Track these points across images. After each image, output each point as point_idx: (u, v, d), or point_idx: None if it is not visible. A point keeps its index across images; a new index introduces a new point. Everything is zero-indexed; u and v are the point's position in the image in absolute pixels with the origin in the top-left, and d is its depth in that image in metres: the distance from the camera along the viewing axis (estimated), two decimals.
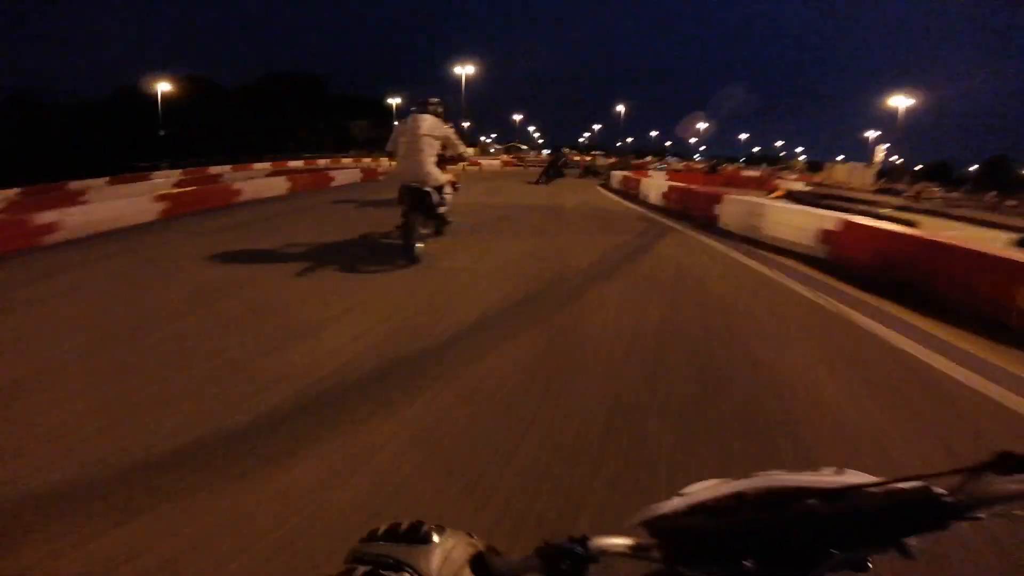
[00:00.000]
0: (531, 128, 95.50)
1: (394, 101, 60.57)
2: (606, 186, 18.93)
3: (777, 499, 0.44)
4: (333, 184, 18.30)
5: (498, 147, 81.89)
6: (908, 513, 0.41)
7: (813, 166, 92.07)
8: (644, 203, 13.03)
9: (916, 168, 78.91)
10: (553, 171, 20.55)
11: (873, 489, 0.42)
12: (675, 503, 0.47)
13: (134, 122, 51.09)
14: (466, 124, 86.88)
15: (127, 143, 47.66)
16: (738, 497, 0.46)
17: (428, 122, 6.05)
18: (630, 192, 15.14)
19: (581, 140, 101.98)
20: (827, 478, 0.45)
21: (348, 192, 15.54)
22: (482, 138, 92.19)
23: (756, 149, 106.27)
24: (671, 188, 12.11)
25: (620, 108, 68.95)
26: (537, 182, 18.86)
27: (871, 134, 72.72)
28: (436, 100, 6.44)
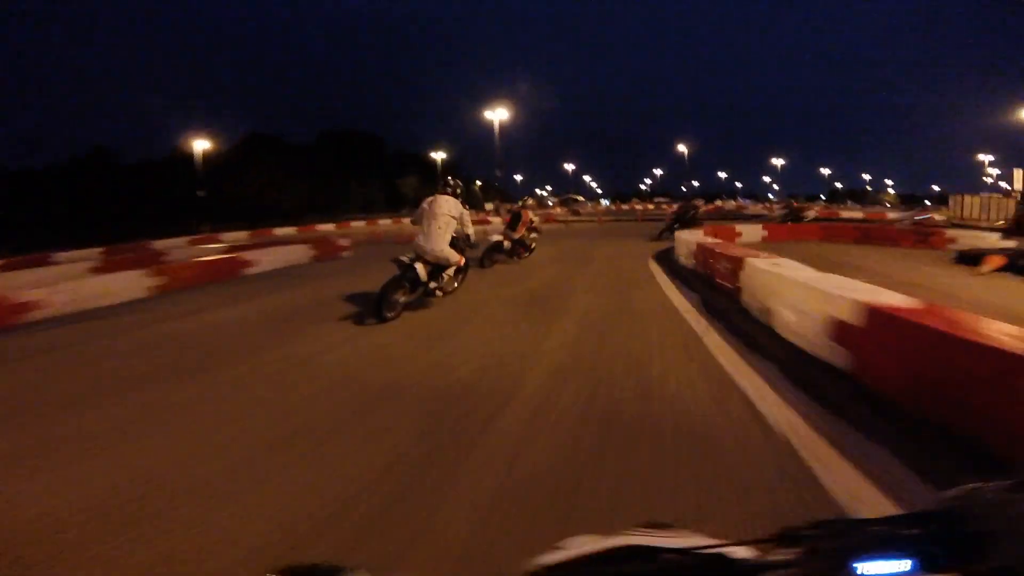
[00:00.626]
0: (586, 177, 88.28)
1: (439, 155, 55.99)
2: (668, 260, 10.99)
3: (637, 555, 0.51)
4: (249, 271, 11.72)
5: (553, 199, 75.79)
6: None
7: (906, 199, 78.25)
8: (764, 332, 4.93)
9: None
10: (680, 224, 15.72)
11: (701, 552, 0.49)
12: (556, 556, 0.54)
13: (188, 183, 49.61)
14: (518, 177, 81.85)
15: (172, 204, 46.03)
16: (607, 553, 0.52)
17: (448, 204, 6.38)
18: (715, 282, 7.24)
19: (642, 187, 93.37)
20: (676, 539, 0.54)
21: (242, 301, 8.54)
22: (536, 190, 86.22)
23: (839, 184, 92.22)
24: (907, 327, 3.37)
25: (682, 149, 60.40)
26: (660, 237, 15.42)
27: (985, 157, 59.19)
28: (455, 182, 6.81)
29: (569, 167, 77.09)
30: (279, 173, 56.48)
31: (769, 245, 14.45)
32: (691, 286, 7.60)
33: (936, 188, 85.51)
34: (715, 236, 12.35)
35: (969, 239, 13.17)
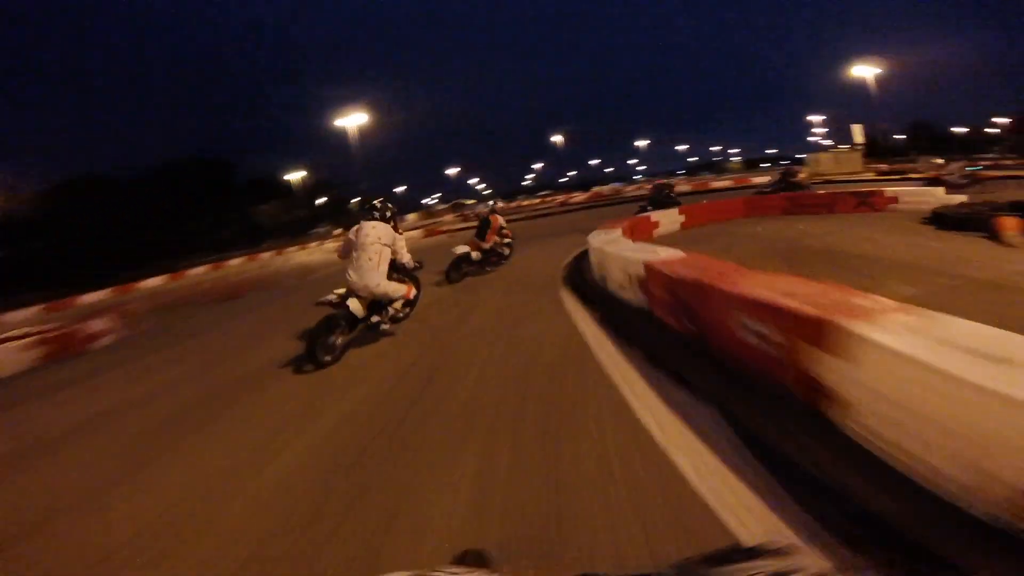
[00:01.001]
0: (473, 180, 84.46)
1: (297, 175, 48.89)
2: (591, 288, 7.00)
3: None
4: None
5: (442, 206, 71.69)
6: None
7: (750, 165, 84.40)
8: None
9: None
10: (653, 207, 14.62)
11: None
12: None
13: None
14: (399, 189, 75.95)
15: None
16: None
17: (376, 231, 5.40)
18: (710, 350, 3.17)
19: (525, 183, 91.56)
20: None
21: None
22: (423, 200, 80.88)
23: (694, 159, 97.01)
24: None
25: (557, 139, 58.73)
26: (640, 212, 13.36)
27: (814, 118, 63.92)
28: (380, 202, 5.76)
29: (453, 171, 72.58)
30: (104, 220, 45.99)
31: (693, 232, 11.32)
32: (668, 367, 3.57)
33: (775, 151, 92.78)
34: (632, 233, 8.89)
35: (908, 196, 11.00)
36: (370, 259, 5.23)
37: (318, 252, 31.62)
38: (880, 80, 42.73)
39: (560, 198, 44.50)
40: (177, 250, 45.73)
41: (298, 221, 52.97)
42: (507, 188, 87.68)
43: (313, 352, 4.86)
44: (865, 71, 41.57)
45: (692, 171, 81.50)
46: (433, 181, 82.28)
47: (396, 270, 5.60)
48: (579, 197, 44.83)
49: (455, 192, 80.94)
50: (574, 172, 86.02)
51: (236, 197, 52.53)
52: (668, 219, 11.84)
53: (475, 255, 9.35)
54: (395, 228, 5.66)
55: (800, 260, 6.48)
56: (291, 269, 21.63)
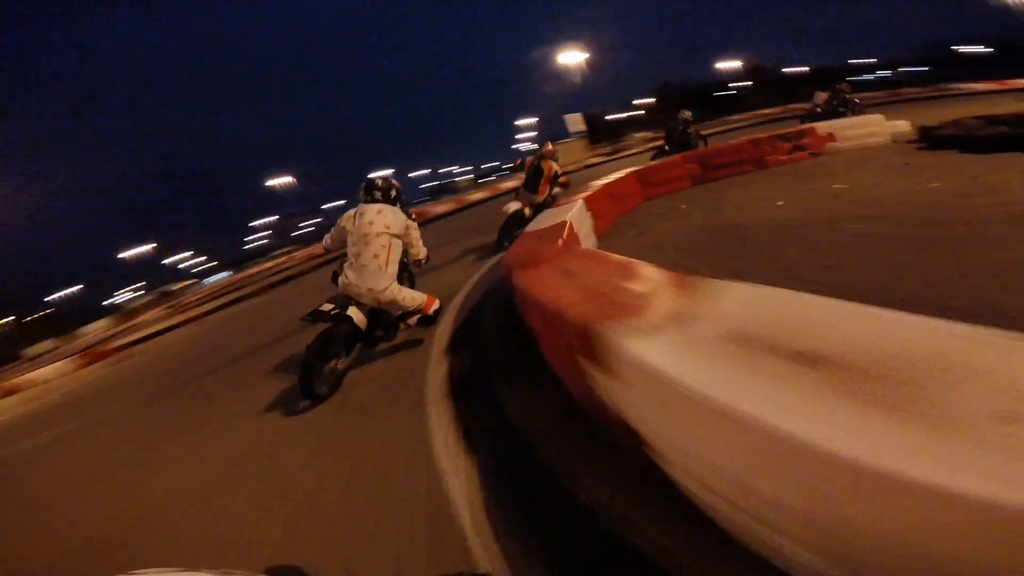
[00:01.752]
0: (183, 255, 65.19)
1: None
2: None
3: None
4: None
5: (148, 297, 53.56)
6: None
7: (479, 178, 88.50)
8: None
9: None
10: (674, 149, 9.97)
11: None
12: None
13: None
14: (70, 290, 53.30)
15: None
16: None
17: (384, 216, 3.74)
18: None
19: (250, 246, 75.67)
20: None
21: None
22: (108, 301, 58.80)
23: (433, 183, 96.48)
24: None
25: (280, 181, 48.83)
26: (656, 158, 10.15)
27: (522, 122, 68.31)
28: (386, 182, 3.99)
29: (137, 252, 53.75)
30: None
31: (617, 232, 6.31)
32: None
33: (497, 163, 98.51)
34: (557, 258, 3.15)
35: (847, 131, 8.37)
36: (376, 255, 3.66)
37: None
38: (552, 75, 46.16)
39: (301, 253, 34.29)
40: None
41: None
42: (230, 256, 70.34)
43: (310, 384, 3.48)
44: (568, 58, 43.98)
45: (435, 195, 79.29)
46: (122, 273, 59.79)
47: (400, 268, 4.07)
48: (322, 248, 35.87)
49: (160, 278, 61.30)
50: (318, 220, 73.60)
51: None
52: (579, 220, 6.51)
53: (528, 212, 7.24)
54: (407, 214, 3.95)
55: None
56: None
